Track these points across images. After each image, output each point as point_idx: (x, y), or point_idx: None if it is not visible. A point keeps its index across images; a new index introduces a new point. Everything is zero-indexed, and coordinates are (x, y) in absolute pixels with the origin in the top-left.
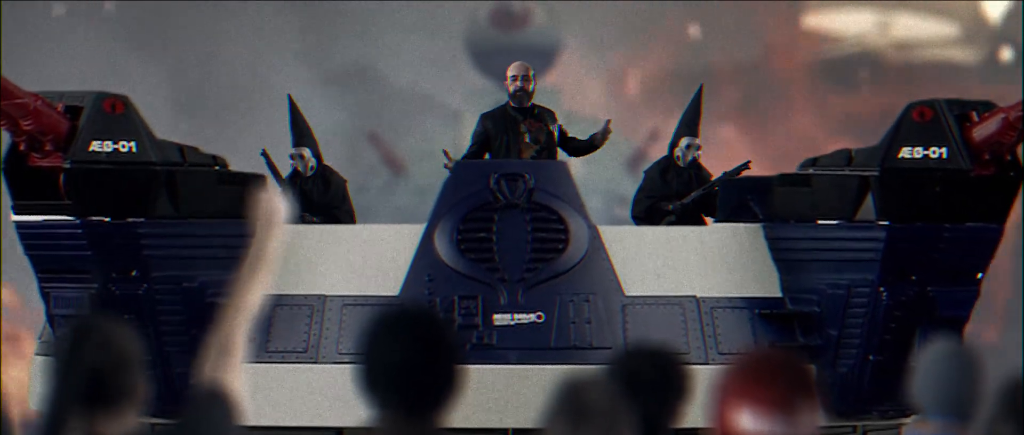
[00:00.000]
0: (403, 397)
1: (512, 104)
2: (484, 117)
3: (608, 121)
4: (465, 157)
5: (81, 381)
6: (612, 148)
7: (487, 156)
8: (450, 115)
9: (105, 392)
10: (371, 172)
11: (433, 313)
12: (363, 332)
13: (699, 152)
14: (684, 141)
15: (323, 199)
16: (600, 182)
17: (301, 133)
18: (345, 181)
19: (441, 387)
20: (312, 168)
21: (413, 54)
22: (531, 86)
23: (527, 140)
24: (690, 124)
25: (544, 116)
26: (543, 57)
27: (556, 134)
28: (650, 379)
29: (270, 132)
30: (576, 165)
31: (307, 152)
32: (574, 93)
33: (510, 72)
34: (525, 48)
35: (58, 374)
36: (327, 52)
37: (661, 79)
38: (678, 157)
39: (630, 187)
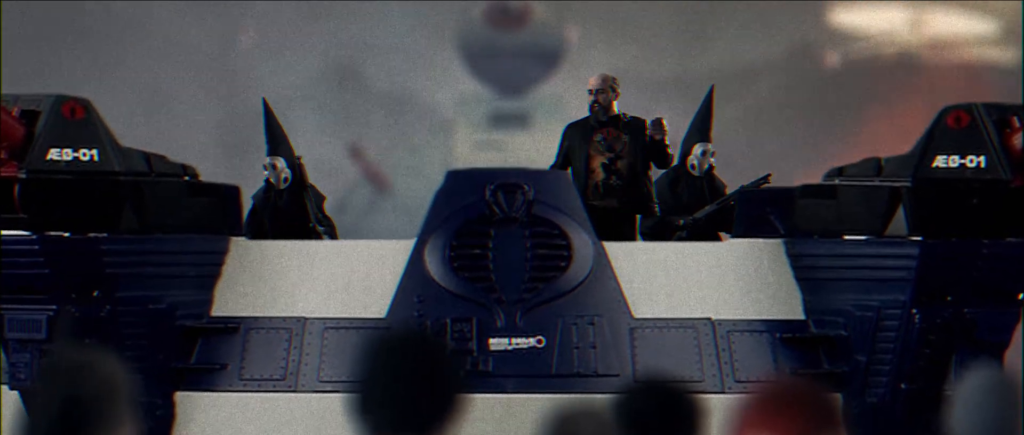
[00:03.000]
0: (398, 422)
1: (594, 119)
2: (568, 128)
3: (659, 119)
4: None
5: (58, 415)
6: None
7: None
8: (440, 125)
9: (84, 428)
10: (351, 189)
11: (431, 336)
12: (358, 355)
13: (714, 158)
14: (697, 148)
15: (298, 217)
16: None
17: (276, 141)
18: (324, 198)
19: (439, 413)
20: (285, 180)
21: (399, 56)
22: (606, 97)
23: (600, 148)
24: (702, 129)
25: (627, 125)
26: (544, 60)
27: (641, 144)
28: (659, 418)
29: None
30: None
31: (281, 162)
32: (579, 100)
33: (588, 87)
34: (524, 50)
35: (35, 407)
36: (302, 53)
37: (675, 83)
38: (693, 166)
39: None
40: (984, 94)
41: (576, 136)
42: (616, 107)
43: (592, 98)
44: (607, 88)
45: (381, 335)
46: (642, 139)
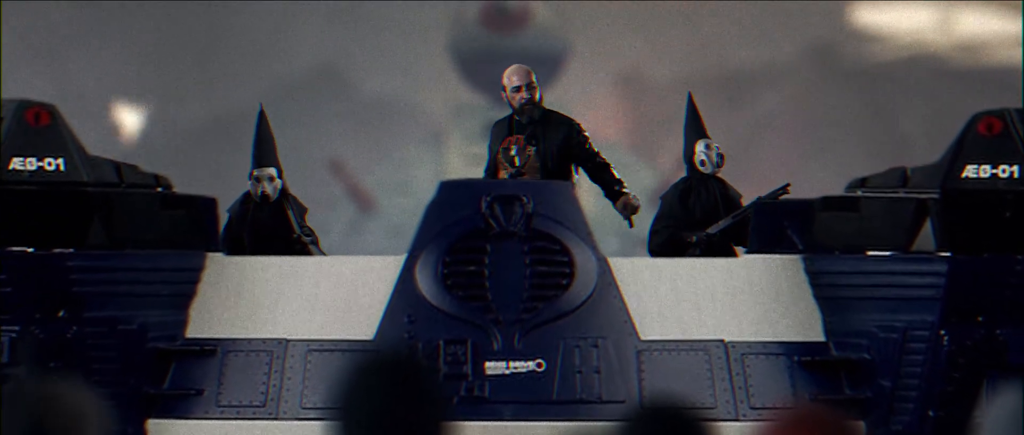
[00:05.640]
0: None
1: (517, 118)
2: (494, 127)
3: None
4: (486, 174)
5: None
6: (629, 176)
7: None
8: (431, 136)
9: None
10: (333, 206)
11: (417, 360)
12: (339, 381)
13: (719, 149)
14: (699, 145)
15: (280, 230)
16: (615, 219)
17: (267, 151)
18: (305, 210)
19: None
20: (275, 193)
21: (387, 60)
22: (537, 94)
23: (512, 153)
24: (697, 129)
25: (545, 128)
26: (545, 65)
27: (557, 149)
28: None
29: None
30: (586, 197)
31: (273, 173)
32: (583, 109)
33: (511, 82)
34: (523, 54)
35: None
36: (281, 56)
37: (685, 86)
38: (702, 162)
39: None
40: (1016, 98)
41: (492, 138)
42: (542, 105)
43: (522, 96)
44: (534, 83)
45: (362, 358)
46: (559, 142)
